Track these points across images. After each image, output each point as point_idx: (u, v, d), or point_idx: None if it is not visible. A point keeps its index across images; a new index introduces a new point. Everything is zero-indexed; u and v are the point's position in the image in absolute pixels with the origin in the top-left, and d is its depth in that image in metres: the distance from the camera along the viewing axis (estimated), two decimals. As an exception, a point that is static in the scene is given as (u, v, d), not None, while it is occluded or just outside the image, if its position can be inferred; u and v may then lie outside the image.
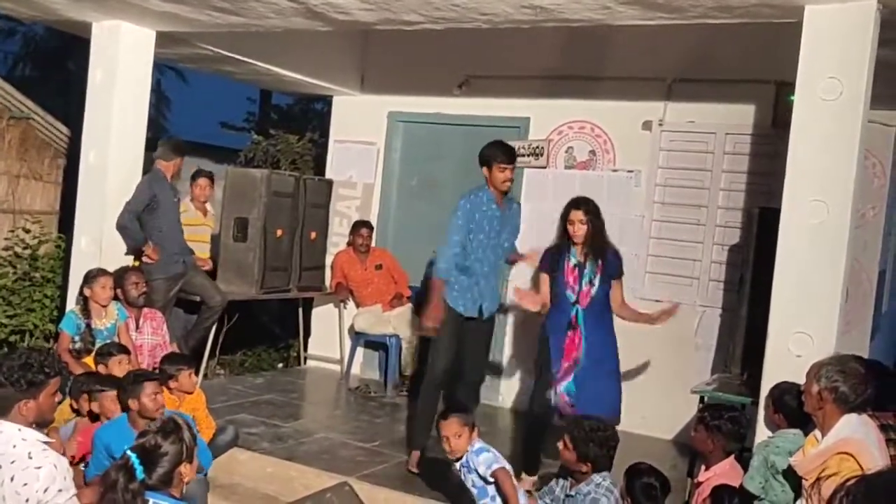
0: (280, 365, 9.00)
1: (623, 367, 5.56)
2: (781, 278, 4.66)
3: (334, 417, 7.30)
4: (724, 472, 4.44)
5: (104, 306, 6.21)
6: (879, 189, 7.04)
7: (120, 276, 6.32)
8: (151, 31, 6.77)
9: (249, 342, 8.96)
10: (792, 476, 4.05)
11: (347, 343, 8.61)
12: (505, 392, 7.86)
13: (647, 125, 7.37)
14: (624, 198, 7.30)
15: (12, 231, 8.29)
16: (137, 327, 6.39)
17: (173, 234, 6.92)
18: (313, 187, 8.40)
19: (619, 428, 5.25)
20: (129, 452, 3.06)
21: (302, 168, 9.35)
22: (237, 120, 16.76)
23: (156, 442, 3.08)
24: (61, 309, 7.36)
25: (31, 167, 8.60)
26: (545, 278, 5.55)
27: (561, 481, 4.59)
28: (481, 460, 4.59)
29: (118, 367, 5.44)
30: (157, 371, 5.72)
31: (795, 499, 4.07)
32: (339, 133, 9.03)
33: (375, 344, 8.47)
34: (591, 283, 5.39)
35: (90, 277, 6.21)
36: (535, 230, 6.98)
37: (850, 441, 3.78)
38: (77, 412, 5.05)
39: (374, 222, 8.47)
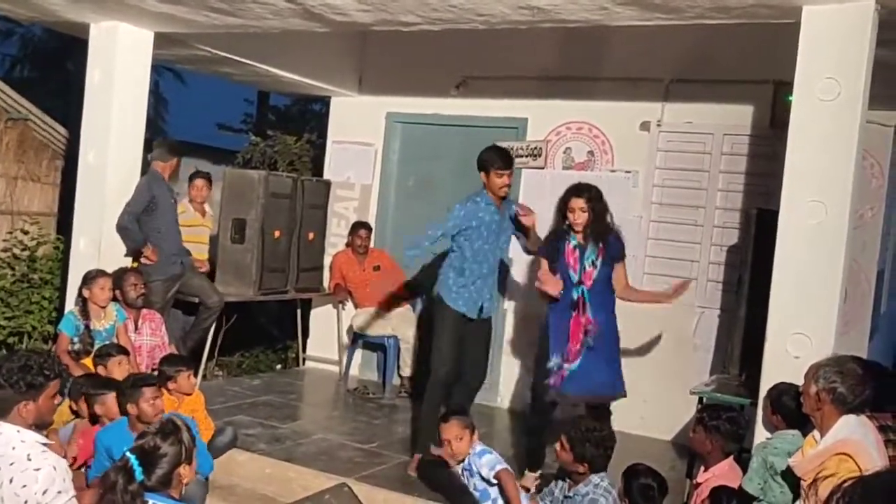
0: (278, 366, 9.00)
1: (623, 367, 5.56)
2: (780, 279, 4.66)
3: (333, 418, 7.29)
4: (722, 472, 4.44)
5: (103, 307, 6.21)
6: (878, 189, 7.05)
7: (119, 278, 6.32)
8: (149, 32, 6.77)
9: (248, 343, 8.95)
10: (791, 477, 4.05)
11: (346, 344, 8.61)
12: (503, 392, 7.86)
13: (644, 126, 7.38)
14: (622, 198, 7.27)
15: (10, 233, 8.28)
16: (136, 328, 6.39)
17: (171, 235, 6.93)
18: (311, 188, 8.40)
19: (617, 428, 5.27)
20: (128, 454, 3.06)
21: (300, 169, 9.34)
22: (235, 121, 16.80)
23: (155, 443, 3.08)
24: (60, 310, 7.36)
25: (29, 168, 8.59)
26: (544, 264, 5.53)
27: (560, 483, 4.59)
28: (484, 462, 4.59)
29: (117, 367, 5.44)
30: (155, 372, 5.73)
31: (794, 500, 4.07)
32: (336, 134, 9.02)
33: (374, 345, 8.47)
34: (593, 264, 5.37)
35: (89, 279, 6.21)
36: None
37: (849, 442, 3.78)
38: (76, 414, 5.05)
39: (372, 223, 8.46)
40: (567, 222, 5.43)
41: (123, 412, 4.66)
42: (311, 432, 6.52)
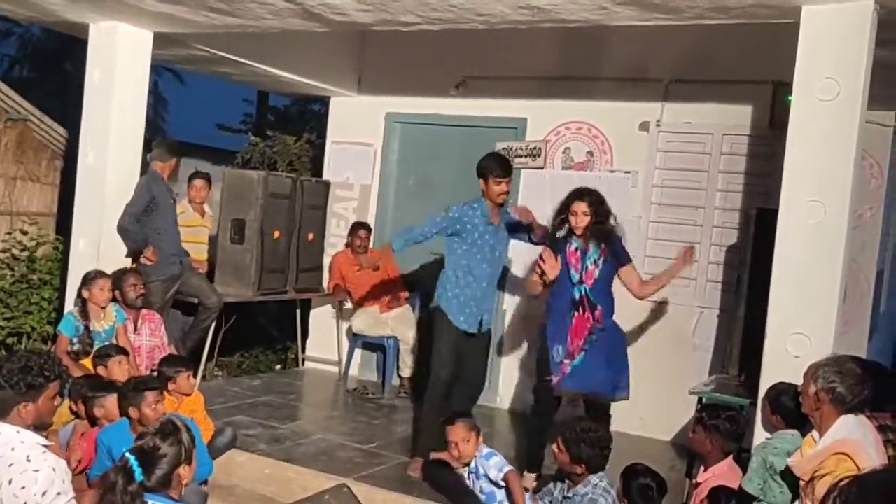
0: (278, 366, 8.99)
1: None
2: (779, 279, 4.66)
3: (332, 419, 7.29)
4: (722, 472, 4.44)
5: (103, 308, 6.21)
6: (877, 189, 7.05)
7: (118, 278, 6.32)
8: (149, 32, 6.77)
9: (247, 344, 8.95)
10: (790, 477, 4.05)
11: (345, 344, 8.61)
12: (503, 393, 7.86)
13: (644, 126, 7.38)
14: (621, 199, 7.24)
15: (9, 233, 8.27)
16: (136, 329, 6.39)
17: (171, 236, 6.93)
18: (310, 188, 8.40)
19: (616, 429, 5.28)
20: (127, 454, 3.06)
21: (299, 169, 9.34)
22: (234, 121, 16.78)
23: (154, 444, 3.08)
24: (59, 311, 7.36)
25: (28, 169, 8.59)
26: (548, 251, 5.52)
27: (559, 484, 4.60)
28: (492, 464, 4.61)
29: (117, 367, 5.45)
30: (154, 373, 5.73)
31: (794, 500, 4.07)
32: (336, 134, 9.02)
33: (373, 345, 8.47)
34: (595, 263, 5.39)
35: (88, 279, 6.21)
36: (533, 231, 6.99)
37: (847, 442, 3.78)
38: (76, 415, 5.04)
39: (371, 223, 8.46)
40: (567, 226, 5.44)
41: (124, 414, 4.66)
42: (310, 433, 6.52)
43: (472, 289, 5.74)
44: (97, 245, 6.69)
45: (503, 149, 7.65)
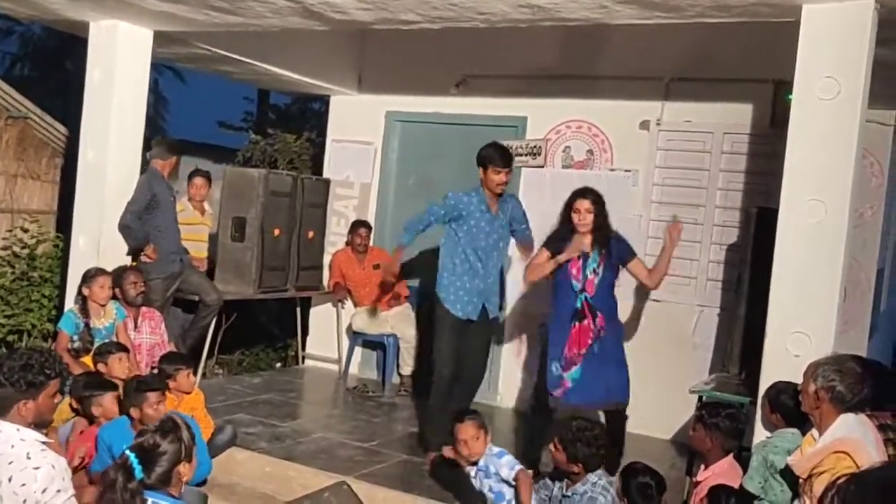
0: (278, 364, 9.00)
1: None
2: (779, 278, 4.66)
3: (332, 417, 7.29)
4: (722, 471, 4.44)
5: (103, 306, 6.22)
6: (877, 188, 7.05)
7: (118, 276, 6.32)
8: (149, 30, 6.77)
9: (247, 342, 8.96)
10: (790, 475, 4.05)
11: (345, 343, 8.61)
12: (504, 392, 7.86)
13: (644, 125, 7.37)
14: (621, 197, 7.27)
15: (10, 231, 8.28)
16: (136, 326, 6.40)
17: (171, 233, 6.94)
18: (311, 187, 8.40)
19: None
20: (127, 452, 3.06)
21: (299, 168, 9.34)
22: (235, 119, 16.78)
23: (154, 441, 3.08)
24: (59, 308, 7.37)
25: (28, 167, 8.59)
26: (544, 251, 5.57)
27: (558, 482, 4.60)
28: (504, 463, 4.61)
29: (118, 364, 5.46)
30: (155, 370, 5.73)
31: (794, 498, 4.07)
32: (336, 133, 9.02)
33: (373, 343, 8.47)
34: (595, 272, 5.43)
35: (89, 277, 6.21)
36: (533, 230, 6.97)
37: (847, 440, 3.78)
38: (77, 412, 5.05)
39: (371, 222, 8.46)
40: (571, 225, 5.45)
41: (124, 413, 4.66)
42: (310, 431, 6.52)
43: (469, 275, 5.78)
44: (97, 243, 6.69)
45: (503, 148, 7.66)
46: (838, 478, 2.19)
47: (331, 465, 5.67)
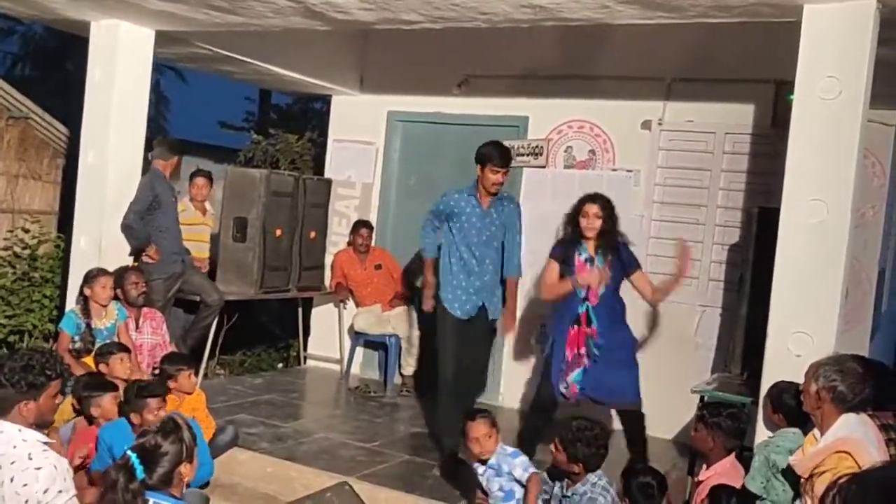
0: (280, 365, 9.00)
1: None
2: (781, 278, 4.66)
3: (334, 417, 7.29)
4: (724, 470, 4.44)
5: (104, 306, 6.22)
6: (879, 188, 7.04)
7: (120, 276, 6.32)
8: (150, 30, 6.77)
9: (249, 342, 8.96)
10: (792, 475, 4.05)
11: (347, 343, 8.61)
12: (505, 392, 7.85)
13: (646, 125, 7.37)
14: (623, 197, 7.24)
15: (11, 231, 8.29)
16: (137, 327, 6.40)
17: (173, 234, 6.95)
18: (312, 187, 8.40)
19: (617, 427, 5.29)
20: (129, 452, 3.06)
21: (301, 168, 9.34)
22: (236, 119, 16.74)
23: (156, 442, 3.08)
24: (60, 309, 7.37)
25: (30, 167, 8.60)
26: (554, 266, 5.56)
27: (557, 483, 4.60)
28: (517, 463, 4.62)
29: (119, 364, 5.46)
30: (156, 371, 5.73)
31: (795, 498, 4.07)
32: (338, 133, 9.02)
33: (375, 344, 8.47)
34: None
35: (90, 277, 6.22)
36: (535, 229, 6.99)
37: (848, 440, 3.78)
38: (78, 412, 5.05)
39: (373, 222, 8.46)
40: (578, 230, 5.46)
41: (124, 416, 4.66)
42: (312, 431, 6.52)
43: (465, 273, 5.79)
44: (98, 243, 6.69)
45: (505, 147, 7.66)
46: (839, 477, 2.19)
47: (333, 466, 5.67)
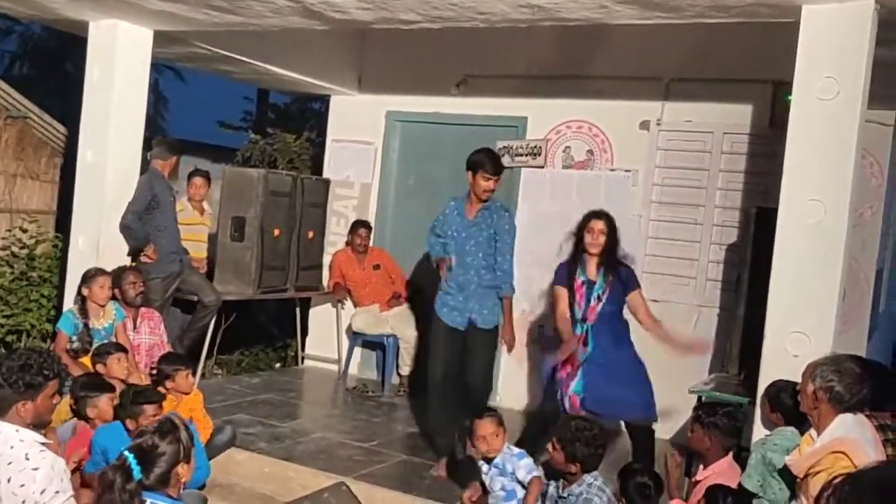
0: (277, 365, 9.00)
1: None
2: (779, 278, 4.66)
3: (332, 417, 7.29)
4: (722, 470, 4.44)
5: (102, 306, 6.21)
6: (877, 188, 7.04)
7: (118, 276, 6.32)
8: (149, 30, 6.77)
9: (247, 342, 8.95)
10: (789, 474, 4.05)
11: (345, 343, 8.61)
12: (503, 392, 7.84)
13: (644, 125, 7.37)
14: (621, 197, 7.28)
15: (9, 230, 8.27)
16: (135, 327, 6.40)
17: (171, 233, 6.94)
18: (311, 187, 8.40)
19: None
20: (126, 453, 3.05)
21: (299, 167, 9.33)
22: (235, 119, 16.75)
23: (153, 442, 3.07)
24: (58, 309, 7.36)
25: (28, 166, 8.58)
26: (563, 293, 5.56)
27: (552, 482, 4.60)
28: (522, 465, 4.63)
29: (117, 364, 5.45)
30: (153, 371, 5.72)
31: (792, 497, 4.07)
32: (336, 132, 9.02)
33: (373, 344, 8.47)
34: (598, 298, 5.44)
35: (88, 277, 6.21)
36: (533, 229, 7.00)
37: (845, 440, 3.78)
38: (76, 413, 5.04)
39: (371, 222, 8.45)
40: (582, 247, 5.46)
41: (119, 420, 4.64)
42: (310, 431, 6.52)
43: (454, 282, 5.77)
44: (96, 243, 6.69)
45: (503, 147, 7.66)
46: (835, 477, 2.18)
47: (330, 466, 5.67)
